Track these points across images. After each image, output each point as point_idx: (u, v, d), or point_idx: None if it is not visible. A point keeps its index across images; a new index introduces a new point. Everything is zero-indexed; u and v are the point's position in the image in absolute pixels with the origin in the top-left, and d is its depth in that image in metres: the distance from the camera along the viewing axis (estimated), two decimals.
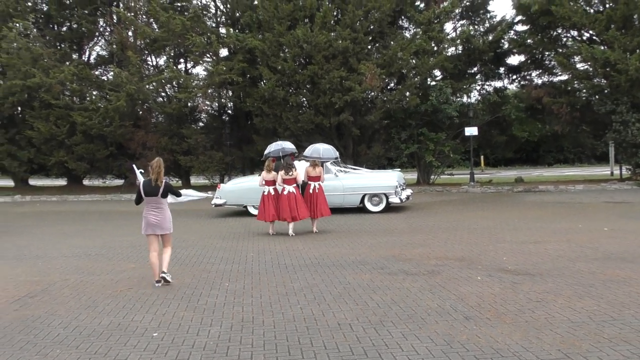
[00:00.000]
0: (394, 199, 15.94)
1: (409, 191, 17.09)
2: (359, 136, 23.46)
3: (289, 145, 15.12)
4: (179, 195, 8.45)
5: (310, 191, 12.90)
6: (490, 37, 24.70)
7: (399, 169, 19.60)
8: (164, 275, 7.82)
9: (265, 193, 12.76)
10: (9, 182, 30.04)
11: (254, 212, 16.42)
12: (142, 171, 8.54)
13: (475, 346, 5.02)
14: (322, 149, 14.90)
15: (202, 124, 27.93)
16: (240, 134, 26.19)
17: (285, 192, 12.50)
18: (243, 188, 16.62)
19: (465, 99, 25.66)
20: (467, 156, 27.31)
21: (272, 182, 12.78)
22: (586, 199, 18.23)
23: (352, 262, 9.09)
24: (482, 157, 40.01)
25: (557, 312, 5.96)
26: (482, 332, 5.40)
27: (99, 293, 7.49)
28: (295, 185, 12.59)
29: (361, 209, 16.02)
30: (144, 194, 7.83)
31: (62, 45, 27.37)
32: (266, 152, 15.13)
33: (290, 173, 12.51)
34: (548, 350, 4.85)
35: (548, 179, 26.36)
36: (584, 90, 23.15)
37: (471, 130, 23.20)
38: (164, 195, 7.88)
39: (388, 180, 16.22)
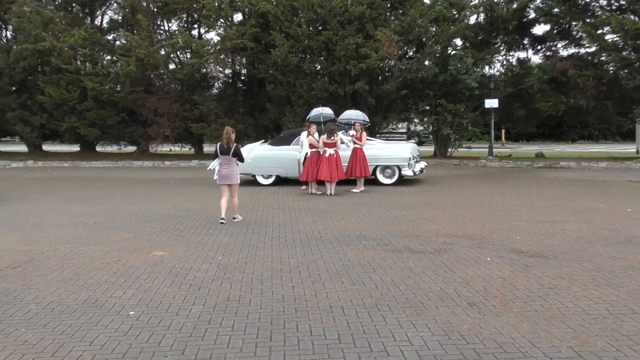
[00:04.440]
0: (407, 172, 15.37)
1: (423, 164, 16.49)
2: (374, 106, 22.75)
3: (327, 111, 16.09)
4: (242, 160, 10.53)
5: (357, 154, 14.41)
6: (515, 5, 23.57)
7: (414, 141, 18.96)
8: (235, 218, 10.23)
9: (309, 155, 14.13)
10: (25, 148, 29.94)
11: (263, 181, 16.05)
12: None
13: (476, 338, 4.52)
14: (354, 113, 16.26)
15: (216, 91, 27.40)
16: (254, 101, 25.60)
17: (327, 155, 13.72)
18: (251, 157, 16.03)
19: (486, 69, 24.72)
20: (487, 129, 26.54)
21: (312, 146, 14.09)
22: (609, 177, 17.46)
23: (355, 237, 8.61)
24: (503, 131, 39.00)
25: (571, 301, 5.42)
26: (485, 321, 4.90)
27: (85, 265, 7.10)
28: (335, 148, 13.84)
29: (373, 181, 15.47)
30: (219, 153, 10.18)
31: (74, 9, 26.83)
32: (308, 117, 16.30)
33: (332, 138, 13.78)
34: (558, 346, 4.33)
35: (570, 155, 25.49)
36: (612, 64, 22.08)
37: (491, 103, 22.35)
38: (234, 155, 10.13)
39: (401, 152, 15.63)
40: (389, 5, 22.91)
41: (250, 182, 16.51)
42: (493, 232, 8.94)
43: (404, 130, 37.08)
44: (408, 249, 7.79)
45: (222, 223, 9.90)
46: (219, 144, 10.32)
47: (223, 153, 10.14)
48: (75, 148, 29.47)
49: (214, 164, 10.44)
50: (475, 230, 9.11)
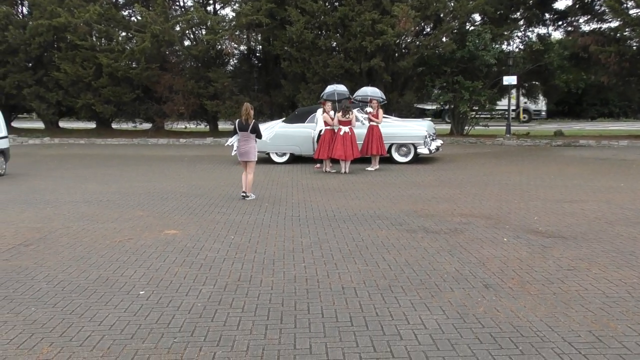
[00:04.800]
0: (423, 150, 15.17)
1: (439, 142, 16.25)
2: (390, 83, 22.42)
3: (341, 88, 15.83)
4: (260, 137, 10.49)
5: (373, 131, 14.29)
6: None
7: (430, 118, 18.69)
8: (244, 195, 10.15)
9: (322, 133, 14.00)
10: (42, 125, 30.06)
11: (277, 159, 15.93)
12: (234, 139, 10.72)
13: (492, 321, 4.40)
14: (370, 90, 16.15)
15: (231, 68, 27.17)
16: (269, 78, 25.36)
17: (341, 133, 13.55)
18: (272, 136, 15.77)
19: (505, 46, 24.21)
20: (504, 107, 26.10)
21: (326, 123, 13.96)
22: (630, 155, 17.09)
23: (370, 217, 8.49)
24: (521, 108, 38.37)
25: (590, 283, 5.27)
26: (502, 304, 4.77)
27: (97, 243, 7.07)
28: (350, 126, 13.62)
29: (388, 159, 15.29)
30: (237, 129, 10.31)
31: None
32: (321, 95, 16.00)
33: (347, 115, 13.62)
34: (577, 330, 4.20)
35: (590, 133, 24.98)
36: (636, 39, 21.49)
37: (510, 80, 21.91)
38: (252, 132, 10.21)
39: (417, 130, 15.41)
40: None
41: (264, 160, 16.38)
42: (510, 211, 8.77)
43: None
44: (423, 228, 7.66)
45: (242, 196, 10.19)
46: (237, 120, 10.46)
47: (242, 129, 10.27)
48: (92, 125, 29.56)
49: (232, 140, 10.71)
50: (492, 209, 8.95)
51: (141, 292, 5.22)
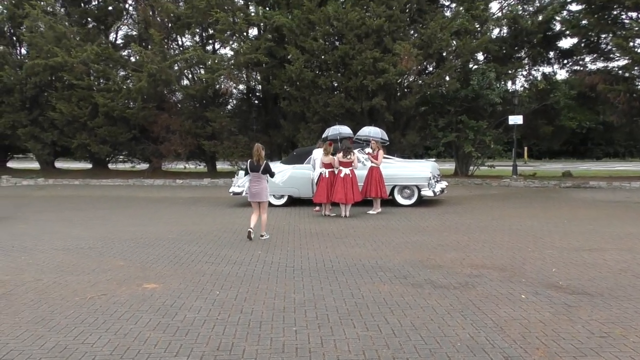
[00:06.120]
0: (427, 192, 14.45)
1: (444, 183, 15.56)
2: (392, 123, 21.86)
3: (345, 130, 15.48)
4: (272, 175, 10.63)
5: (373, 173, 13.68)
6: (540, 18, 22.67)
7: (434, 159, 18.06)
8: (262, 236, 10.25)
9: (324, 175, 13.23)
10: (38, 165, 29.55)
11: (275, 202, 15.18)
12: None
13: None
14: (372, 130, 15.48)
15: (229, 108, 26.73)
16: (268, 118, 24.88)
17: (342, 175, 12.94)
18: (286, 179, 14.95)
19: (510, 85, 23.78)
20: (509, 147, 25.54)
21: (329, 165, 13.22)
22: None
23: (370, 268, 7.71)
24: (525, 148, 37.84)
25: (630, 355, 4.47)
26: None
27: (65, 300, 6.30)
28: (351, 168, 13.01)
29: (390, 202, 14.57)
30: (249, 170, 10.31)
31: (88, 24, 26.45)
32: (324, 135, 15.59)
33: (348, 156, 13.03)
34: None
35: (598, 174, 24.30)
36: None
37: (515, 119, 21.38)
38: (264, 172, 10.25)
39: (421, 172, 14.72)
40: (408, 18, 22.14)
41: None
42: (524, 262, 7.99)
43: None
44: (430, 282, 6.88)
45: (249, 232, 10.10)
46: (249, 161, 10.46)
47: (253, 170, 10.30)
48: (89, 165, 29.02)
49: (244, 180, 11.04)
50: (505, 259, 8.17)
51: None
